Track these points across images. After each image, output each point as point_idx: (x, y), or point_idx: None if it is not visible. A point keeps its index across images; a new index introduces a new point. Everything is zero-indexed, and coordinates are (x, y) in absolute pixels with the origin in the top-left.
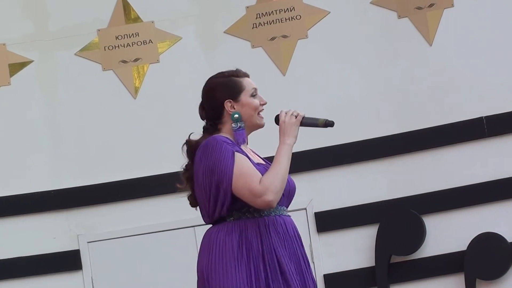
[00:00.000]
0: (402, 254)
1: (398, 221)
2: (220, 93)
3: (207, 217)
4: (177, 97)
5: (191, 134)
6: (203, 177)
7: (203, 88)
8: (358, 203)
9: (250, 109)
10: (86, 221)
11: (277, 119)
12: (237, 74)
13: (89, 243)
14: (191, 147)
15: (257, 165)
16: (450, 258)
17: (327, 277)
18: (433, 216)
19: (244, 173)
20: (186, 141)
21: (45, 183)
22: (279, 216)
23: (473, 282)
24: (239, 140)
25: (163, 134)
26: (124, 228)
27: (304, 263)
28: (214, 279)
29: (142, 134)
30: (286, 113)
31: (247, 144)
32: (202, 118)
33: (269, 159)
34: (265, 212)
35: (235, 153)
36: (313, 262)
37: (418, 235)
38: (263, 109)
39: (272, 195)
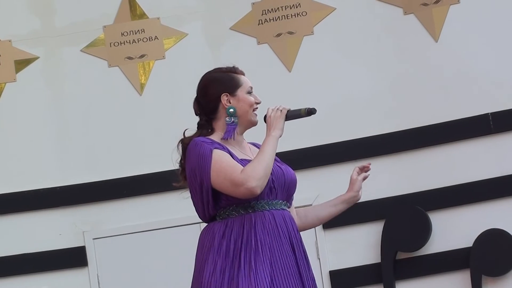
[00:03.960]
0: (408, 250)
1: (404, 217)
2: (217, 87)
3: (201, 217)
4: (182, 94)
5: (186, 130)
6: (189, 179)
7: (199, 82)
8: (364, 199)
9: (245, 105)
10: (92, 217)
11: (265, 118)
12: (235, 70)
13: (95, 240)
14: (185, 144)
15: (241, 160)
16: (456, 254)
17: (333, 274)
18: (439, 213)
19: (224, 167)
20: (181, 139)
21: (51, 180)
22: (268, 211)
23: (479, 279)
24: (228, 134)
25: (169, 130)
26: (129, 224)
27: (301, 258)
28: (195, 276)
29: (147, 131)
30: (272, 109)
31: (244, 140)
32: (196, 114)
33: None
34: (253, 209)
35: (213, 150)
36: (319, 259)
37: (424, 232)
38: (257, 108)
39: (255, 182)
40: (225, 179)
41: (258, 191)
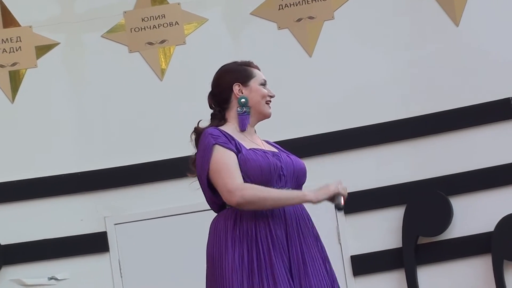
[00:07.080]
0: (429, 235)
1: (425, 202)
2: (229, 77)
3: (210, 205)
4: (203, 79)
5: (200, 121)
6: (197, 168)
7: (214, 75)
8: (385, 184)
9: (257, 95)
10: (113, 203)
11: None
12: (249, 64)
13: (116, 225)
14: (198, 134)
15: (248, 150)
16: (477, 239)
17: (354, 258)
18: (460, 197)
19: (219, 169)
20: (195, 128)
21: (71, 165)
22: None
23: (500, 263)
24: (241, 125)
25: (189, 116)
26: (151, 210)
27: (310, 244)
28: (211, 262)
29: (168, 116)
30: (339, 184)
31: (255, 132)
32: (211, 107)
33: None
34: None
35: (215, 146)
36: (340, 244)
37: (445, 216)
38: (270, 101)
39: (242, 199)
40: (218, 180)
41: (241, 208)
